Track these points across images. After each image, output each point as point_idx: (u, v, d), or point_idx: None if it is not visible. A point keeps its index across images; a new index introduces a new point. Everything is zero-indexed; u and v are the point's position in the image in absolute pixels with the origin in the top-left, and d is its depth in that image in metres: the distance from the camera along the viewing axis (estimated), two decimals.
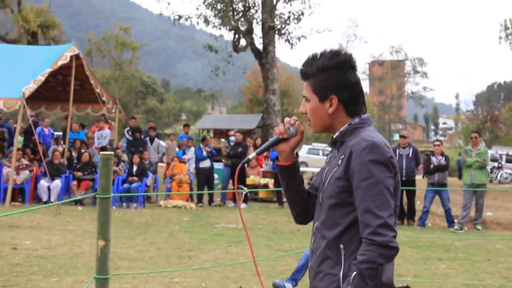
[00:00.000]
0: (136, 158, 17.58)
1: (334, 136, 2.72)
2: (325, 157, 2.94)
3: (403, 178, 14.88)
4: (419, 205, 16.25)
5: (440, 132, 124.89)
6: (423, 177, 23.21)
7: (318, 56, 2.71)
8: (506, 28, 48.54)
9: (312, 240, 2.77)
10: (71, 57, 17.61)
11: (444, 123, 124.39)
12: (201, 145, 18.31)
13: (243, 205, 17.02)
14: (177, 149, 21.18)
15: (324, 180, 2.72)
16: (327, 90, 2.66)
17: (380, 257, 2.40)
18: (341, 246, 2.57)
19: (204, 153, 18.00)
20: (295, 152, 2.87)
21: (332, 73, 2.66)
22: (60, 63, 17.20)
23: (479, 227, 14.58)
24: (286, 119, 2.79)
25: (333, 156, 2.75)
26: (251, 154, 2.84)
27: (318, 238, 2.69)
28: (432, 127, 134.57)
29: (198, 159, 18.20)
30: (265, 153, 17.34)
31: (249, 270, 8.60)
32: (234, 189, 17.18)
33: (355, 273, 2.41)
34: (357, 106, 2.71)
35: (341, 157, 2.60)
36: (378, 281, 2.45)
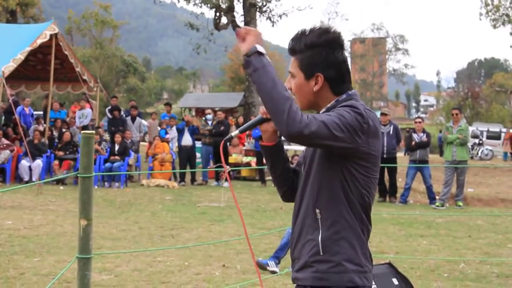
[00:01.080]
0: (118, 137, 17.51)
1: (321, 112, 2.69)
2: None
3: (384, 156, 14.94)
4: (401, 182, 16.35)
5: (422, 109, 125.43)
6: (404, 154, 23.35)
7: (307, 32, 2.69)
8: (487, 5, 48.59)
9: (293, 214, 2.79)
10: (51, 35, 17.42)
11: (426, 100, 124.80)
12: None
13: (226, 184, 17.02)
14: (159, 128, 21.12)
15: (307, 154, 2.74)
16: (314, 68, 2.64)
17: (283, 104, 2.37)
18: (317, 211, 2.59)
19: (186, 131, 17.93)
20: (278, 132, 2.81)
21: (320, 51, 2.64)
22: (39, 41, 17.05)
23: (460, 203, 14.69)
24: None
25: None
26: (234, 132, 2.83)
27: (298, 210, 2.72)
28: (414, 104, 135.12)
29: (179, 131, 18.13)
30: (247, 132, 17.34)
31: (232, 248, 8.63)
32: (215, 167, 17.21)
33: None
34: (343, 85, 2.69)
35: None
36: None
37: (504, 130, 41.05)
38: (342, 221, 2.55)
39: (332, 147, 2.47)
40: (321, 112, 2.69)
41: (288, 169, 2.90)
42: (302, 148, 3.06)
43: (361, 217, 2.61)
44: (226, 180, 17.21)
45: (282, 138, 2.74)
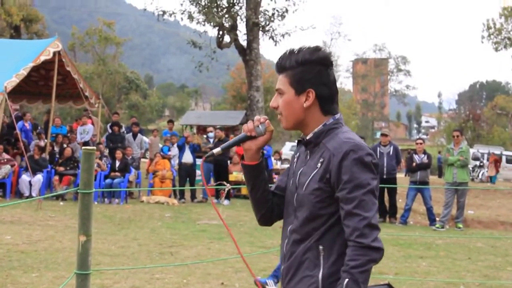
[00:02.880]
0: (118, 154, 17.52)
1: (308, 137, 2.66)
2: None
3: (384, 176, 14.98)
4: (401, 203, 16.33)
5: (423, 130, 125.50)
6: (405, 175, 23.35)
7: (297, 51, 2.65)
8: (489, 28, 48.85)
9: (284, 243, 2.70)
10: (54, 53, 17.50)
11: (427, 122, 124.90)
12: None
13: (225, 202, 17.00)
14: (160, 145, 21.13)
15: (299, 182, 2.64)
16: (306, 83, 2.61)
17: (369, 260, 2.40)
18: (321, 247, 2.54)
19: (187, 148, 17.95)
20: (261, 151, 2.79)
21: (313, 67, 2.61)
22: (42, 58, 17.11)
23: (461, 225, 14.67)
24: (256, 117, 2.73)
25: (306, 157, 2.68)
26: (216, 149, 2.75)
27: (293, 242, 2.63)
28: (415, 125, 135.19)
29: (180, 148, 18.15)
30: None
31: (231, 266, 8.61)
32: (216, 185, 17.20)
33: (347, 279, 2.39)
34: (332, 104, 2.66)
35: (320, 160, 2.56)
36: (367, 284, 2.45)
37: (505, 152, 41.08)
38: (344, 259, 2.49)
39: None
40: (308, 137, 2.65)
41: (268, 191, 2.82)
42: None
43: None
44: (226, 198, 17.20)
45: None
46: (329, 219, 2.54)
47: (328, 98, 2.64)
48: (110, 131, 20.40)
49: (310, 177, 2.58)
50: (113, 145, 18.84)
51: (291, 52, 2.67)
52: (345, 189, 2.45)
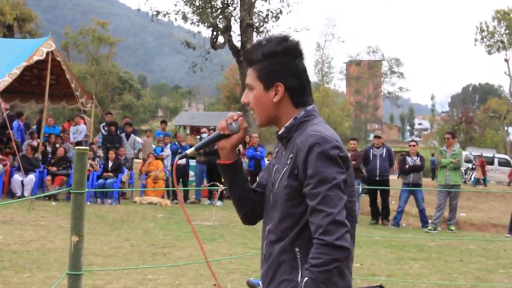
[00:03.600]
0: (111, 154, 17.49)
1: (280, 133, 2.56)
2: None
3: (377, 178, 15.04)
4: (393, 205, 16.36)
5: (416, 132, 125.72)
6: (398, 177, 23.42)
7: (265, 42, 2.55)
8: (482, 31, 49.06)
9: (263, 244, 2.62)
10: (47, 53, 17.46)
11: (420, 124, 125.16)
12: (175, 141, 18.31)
13: (218, 203, 16.98)
14: (153, 145, 21.10)
15: (274, 180, 2.55)
16: (274, 77, 2.50)
17: (332, 260, 2.25)
18: (297, 249, 2.43)
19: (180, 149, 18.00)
20: (237, 149, 2.70)
21: (280, 59, 2.50)
22: (35, 58, 17.06)
23: (453, 228, 14.70)
24: (229, 114, 2.62)
25: (282, 153, 2.59)
26: (189, 150, 2.68)
27: (270, 243, 2.55)
28: (408, 127, 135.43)
29: (173, 153, 18.18)
30: (241, 150, 17.34)
31: (223, 268, 8.60)
32: (209, 186, 17.18)
33: (306, 278, 2.28)
34: (304, 96, 2.55)
35: (290, 156, 2.46)
36: (333, 286, 2.32)
37: (497, 155, 41.20)
38: None
39: None
40: (280, 132, 2.56)
41: (248, 189, 2.73)
42: None
43: None
44: (219, 199, 17.18)
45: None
46: (301, 218, 2.42)
47: (298, 90, 2.53)
48: (103, 131, 20.34)
49: (282, 173, 2.49)
50: (110, 145, 18.79)
51: (259, 44, 2.57)
52: (310, 184, 2.34)
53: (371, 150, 15.58)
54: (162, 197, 17.50)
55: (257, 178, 2.85)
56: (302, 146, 2.39)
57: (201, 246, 2.89)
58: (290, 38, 2.55)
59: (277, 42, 2.52)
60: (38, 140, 18.69)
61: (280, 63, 2.51)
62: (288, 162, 2.45)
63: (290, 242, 2.45)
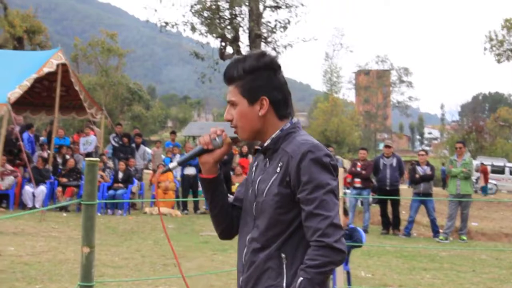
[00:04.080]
0: (122, 165, 17.53)
1: (266, 144, 2.60)
2: None
3: (387, 188, 15.02)
4: (404, 214, 16.31)
5: (426, 142, 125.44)
6: (408, 186, 23.33)
7: (243, 59, 2.60)
8: (491, 40, 48.91)
9: (243, 253, 2.61)
10: (58, 64, 17.56)
11: (430, 133, 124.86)
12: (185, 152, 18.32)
13: None
14: (163, 156, 21.13)
15: (258, 189, 2.56)
16: (258, 91, 2.56)
17: (329, 262, 2.33)
18: (283, 255, 2.46)
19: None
20: (218, 164, 2.73)
21: (261, 74, 2.56)
22: (46, 70, 17.14)
23: (464, 237, 14.63)
24: (213, 129, 2.66)
25: (266, 165, 2.61)
26: (172, 164, 2.68)
27: (252, 251, 2.54)
28: (418, 137, 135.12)
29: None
30: (250, 161, 17.33)
31: (234, 278, 8.55)
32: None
33: (301, 278, 2.32)
34: (286, 108, 2.62)
35: (279, 165, 2.50)
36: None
37: (508, 164, 41.00)
38: None
39: None
40: (266, 143, 2.60)
41: (228, 205, 2.76)
42: None
43: None
44: None
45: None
46: (290, 225, 2.47)
47: (282, 102, 2.60)
48: (114, 142, 20.39)
49: (270, 182, 2.51)
50: (123, 155, 18.84)
51: (237, 61, 2.62)
52: (305, 190, 2.40)
53: (381, 160, 15.55)
54: (172, 208, 17.49)
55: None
56: (294, 154, 2.45)
57: (175, 254, 2.91)
58: (267, 53, 2.62)
59: (256, 58, 2.58)
60: (49, 151, 18.75)
61: (263, 77, 2.57)
62: (278, 171, 2.50)
63: (276, 248, 2.48)
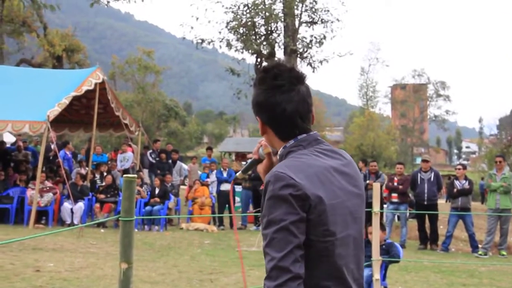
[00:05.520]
0: (157, 181, 17.69)
1: (275, 161, 2.52)
2: None
3: (425, 203, 14.88)
4: (442, 229, 16.11)
5: (463, 156, 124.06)
6: (446, 201, 23.07)
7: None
8: None
9: None
10: (96, 83, 17.84)
11: (467, 147, 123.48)
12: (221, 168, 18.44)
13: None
14: (199, 172, 21.24)
15: None
16: (254, 109, 2.45)
17: None
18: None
19: (225, 175, 18.13)
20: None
21: (255, 91, 2.43)
22: (84, 88, 17.41)
23: (504, 253, 14.41)
24: (260, 140, 2.61)
25: None
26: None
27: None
28: (455, 151, 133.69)
29: (219, 181, 18.29)
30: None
31: None
32: (255, 212, 17.16)
33: None
34: (286, 129, 2.40)
35: None
36: None
37: None
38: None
39: None
40: (275, 161, 2.51)
41: None
42: None
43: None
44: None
45: None
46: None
47: (276, 124, 2.41)
48: (151, 159, 20.57)
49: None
50: (161, 172, 19.03)
51: None
52: (262, 224, 2.22)
53: (419, 174, 15.42)
54: (209, 223, 17.54)
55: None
56: (265, 183, 2.29)
57: (243, 271, 2.89)
58: (270, 67, 2.42)
59: (258, 73, 2.45)
60: (87, 168, 18.98)
61: (254, 95, 2.44)
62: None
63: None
